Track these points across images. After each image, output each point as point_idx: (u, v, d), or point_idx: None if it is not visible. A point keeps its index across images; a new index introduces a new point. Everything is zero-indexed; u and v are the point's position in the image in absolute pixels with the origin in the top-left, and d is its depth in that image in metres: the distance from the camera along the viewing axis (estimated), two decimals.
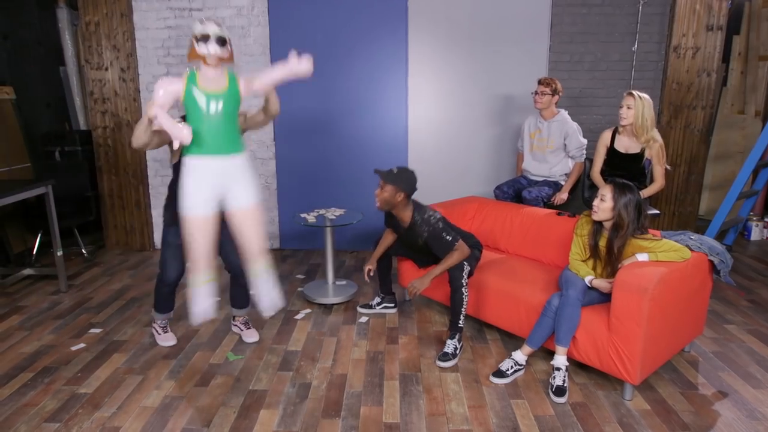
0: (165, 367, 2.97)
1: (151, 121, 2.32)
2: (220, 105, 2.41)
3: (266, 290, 2.62)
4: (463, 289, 2.99)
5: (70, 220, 4.75)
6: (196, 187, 2.41)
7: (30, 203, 4.62)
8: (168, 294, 3.16)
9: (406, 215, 3.11)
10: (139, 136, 2.51)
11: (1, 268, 4.32)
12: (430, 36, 4.80)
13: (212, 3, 4.77)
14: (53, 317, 3.63)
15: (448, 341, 3.05)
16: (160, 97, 2.30)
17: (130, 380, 2.83)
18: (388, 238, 3.46)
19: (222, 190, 2.46)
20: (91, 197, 5.01)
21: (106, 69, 4.91)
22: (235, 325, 3.36)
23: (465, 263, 3.04)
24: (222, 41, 2.38)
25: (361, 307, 3.68)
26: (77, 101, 5.64)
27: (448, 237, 3.01)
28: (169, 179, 5.10)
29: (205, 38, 2.32)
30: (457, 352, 3.03)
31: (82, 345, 3.23)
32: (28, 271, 4.32)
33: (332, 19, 4.76)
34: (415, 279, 3.09)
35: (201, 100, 2.38)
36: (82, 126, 5.67)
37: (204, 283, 2.52)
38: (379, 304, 3.66)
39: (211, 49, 2.34)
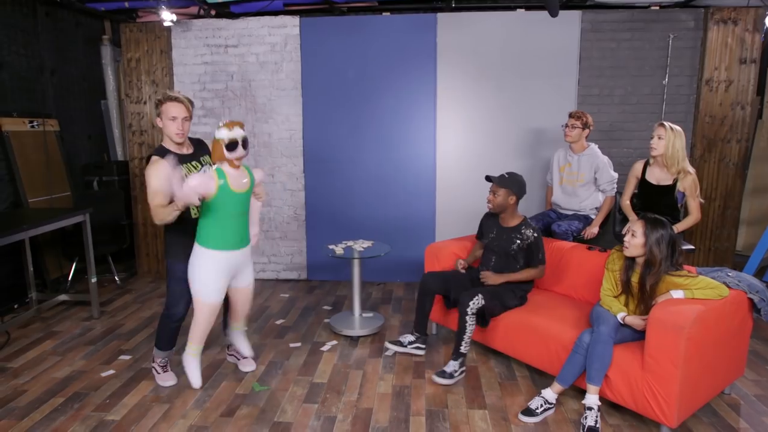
0: (191, 396, 2.98)
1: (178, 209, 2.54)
2: (246, 202, 2.65)
3: (242, 341, 3.18)
4: (467, 317, 3.06)
5: (105, 248, 4.88)
6: (217, 278, 2.75)
7: (67, 230, 4.77)
8: (174, 330, 3.07)
9: (515, 218, 3.30)
10: (164, 219, 2.65)
11: (38, 294, 4.44)
12: (458, 70, 4.86)
13: (247, 40, 4.95)
14: (85, 343, 3.70)
15: (450, 362, 3.13)
16: (193, 197, 2.48)
17: (156, 408, 2.85)
18: (478, 251, 3.58)
19: (234, 275, 2.87)
20: (126, 226, 5.15)
21: (145, 103, 5.11)
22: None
23: (480, 296, 3.07)
24: (246, 142, 2.58)
25: (391, 342, 3.48)
26: (116, 133, 5.86)
27: (542, 252, 3.26)
28: None
29: (233, 144, 2.50)
30: (456, 374, 3.09)
31: (111, 371, 3.28)
32: (62, 297, 4.43)
33: (362, 54, 4.88)
34: (491, 272, 3.28)
35: (233, 199, 2.58)
36: (120, 157, 5.88)
37: (197, 354, 3.01)
38: (411, 343, 3.44)
39: (239, 153, 2.54)
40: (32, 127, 4.77)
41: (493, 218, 3.40)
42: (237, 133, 2.53)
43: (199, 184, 2.45)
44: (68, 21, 5.33)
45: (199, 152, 2.98)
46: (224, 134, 2.51)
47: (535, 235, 3.22)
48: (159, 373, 3.14)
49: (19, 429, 2.65)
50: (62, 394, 2.98)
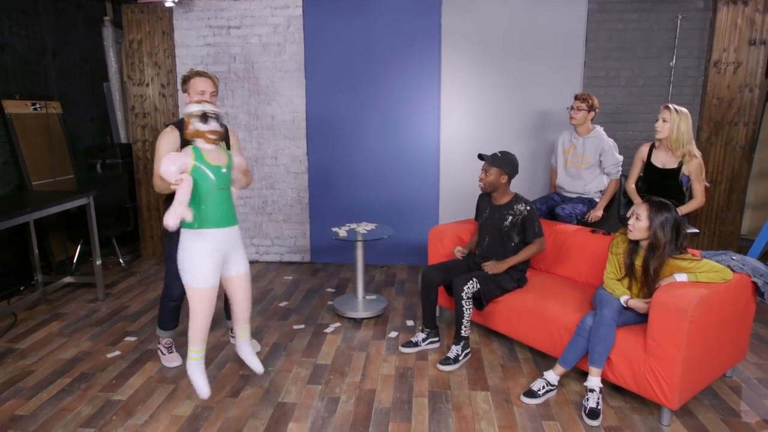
0: None
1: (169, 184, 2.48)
2: (226, 178, 2.59)
3: (250, 356, 2.81)
4: (463, 302, 3.06)
5: (110, 230, 4.90)
6: (202, 259, 2.53)
7: (72, 213, 4.79)
8: (174, 309, 3.12)
9: (506, 196, 3.26)
10: (161, 190, 2.78)
11: (43, 276, 4.47)
12: (463, 52, 4.81)
13: (249, 21, 4.90)
14: (91, 324, 3.74)
15: (453, 347, 3.13)
16: (173, 174, 2.40)
17: (162, 389, 2.88)
18: (477, 235, 3.52)
19: (224, 259, 2.62)
20: (130, 208, 5.16)
21: (147, 85, 5.09)
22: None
23: (474, 280, 3.07)
24: (218, 117, 2.55)
25: (404, 346, 3.33)
26: (119, 116, 5.84)
27: (538, 225, 3.19)
28: None
29: (204, 117, 2.46)
30: (460, 359, 3.10)
31: (117, 352, 3.31)
32: (68, 279, 4.46)
33: (366, 36, 4.83)
34: (492, 262, 3.21)
35: (210, 173, 2.51)
36: (123, 139, 5.87)
37: (200, 358, 2.62)
38: (424, 340, 3.35)
39: (213, 126, 2.48)
40: (35, 109, 4.76)
41: (486, 198, 3.38)
42: (208, 107, 2.52)
43: (174, 157, 2.44)
44: (69, 2, 5.28)
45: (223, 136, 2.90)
46: (195, 107, 2.50)
47: (528, 208, 3.18)
48: (164, 354, 3.18)
49: (27, 408, 2.68)
50: (69, 375, 3.02)
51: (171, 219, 2.33)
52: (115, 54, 5.67)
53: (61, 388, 2.88)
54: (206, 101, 2.69)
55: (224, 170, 2.56)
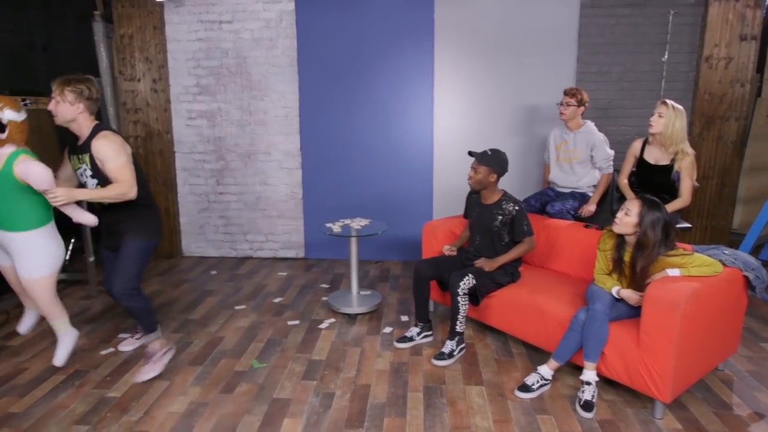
0: (191, 373, 3.00)
1: None
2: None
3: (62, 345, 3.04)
4: (458, 298, 3.07)
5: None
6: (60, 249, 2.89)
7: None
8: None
9: (495, 194, 3.25)
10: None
11: None
12: (456, 48, 4.81)
13: (241, 16, 4.87)
14: (84, 321, 3.71)
15: (447, 342, 3.15)
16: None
17: (156, 385, 2.87)
18: (466, 232, 3.54)
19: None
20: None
21: (139, 80, 5.04)
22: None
23: (470, 276, 3.09)
24: (2, 127, 2.62)
25: (399, 341, 3.34)
26: (110, 111, 5.77)
27: (527, 224, 3.19)
28: (197, 187, 5.19)
29: None
30: (455, 353, 3.11)
31: (111, 349, 3.30)
32: (60, 276, 4.41)
33: (359, 31, 4.81)
34: (485, 259, 3.22)
35: None
36: None
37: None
38: (419, 334, 3.36)
39: None
40: (25, 105, 4.70)
41: (475, 196, 3.38)
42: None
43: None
44: None
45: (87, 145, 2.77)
46: None
47: (517, 208, 3.18)
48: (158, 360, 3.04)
49: (21, 405, 2.67)
50: (63, 372, 3.00)
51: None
52: (105, 49, 5.60)
53: (55, 385, 2.86)
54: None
55: None
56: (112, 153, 2.68)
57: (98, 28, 5.55)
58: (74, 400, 2.72)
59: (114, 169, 2.68)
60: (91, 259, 4.16)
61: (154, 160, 5.14)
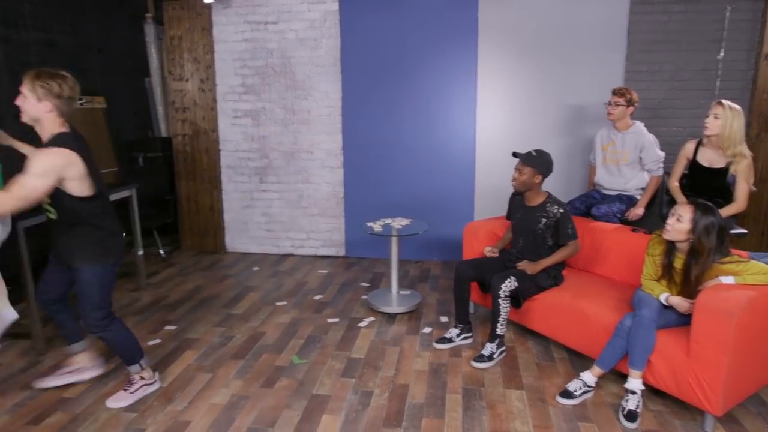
0: (233, 366, 3.07)
1: None
2: None
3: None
4: (500, 300, 3.02)
5: (151, 222, 5.02)
6: None
7: (114, 205, 4.93)
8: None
9: (539, 196, 3.21)
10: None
11: None
12: (499, 47, 4.74)
13: (286, 17, 4.94)
14: (133, 313, 3.85)
15: (487, 344, 3.11)
16: None
17: (200, 377, 2.95)
18: (509, 234, 3.51)
19: None
20: (170, 200, 5.29)
21: (187, 80, 5.19)
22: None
23: (512, 278, 3.04)
24: None
25: (438, 342, 3.33)
26: (160, 110, 5.99)
27: (572, 227, 3.14)
28: (240, 184, 5.29)
29: None
30: (495, 356, 3.08)
31: (158, 340, 3.41)
32: None
33: (402, 31, 4.80)
34: (528, 262, 3.17)
35: None
36: (164, 133, 6.01)
37: None
38: (458, 335, 3.34)
39: None
40: (81, 104, 4.91)
41: (519, 198, 3.33)
42: None
43: None
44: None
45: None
46: None
47: (561, 210, 3.12)
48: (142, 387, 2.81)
49: (74, 391, 2.79)
50: (112, 361, 3.11)
51: None
52: (156, 50, 5.81)
53: (105, 374, 2.98)
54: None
55: None
56: (37, 166, 2.30)
57: (149, 30, 5.77)
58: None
59: (22, 178, 2.28)
60: (141, 252, 4.31)
61: (200, 158, 5.29)
